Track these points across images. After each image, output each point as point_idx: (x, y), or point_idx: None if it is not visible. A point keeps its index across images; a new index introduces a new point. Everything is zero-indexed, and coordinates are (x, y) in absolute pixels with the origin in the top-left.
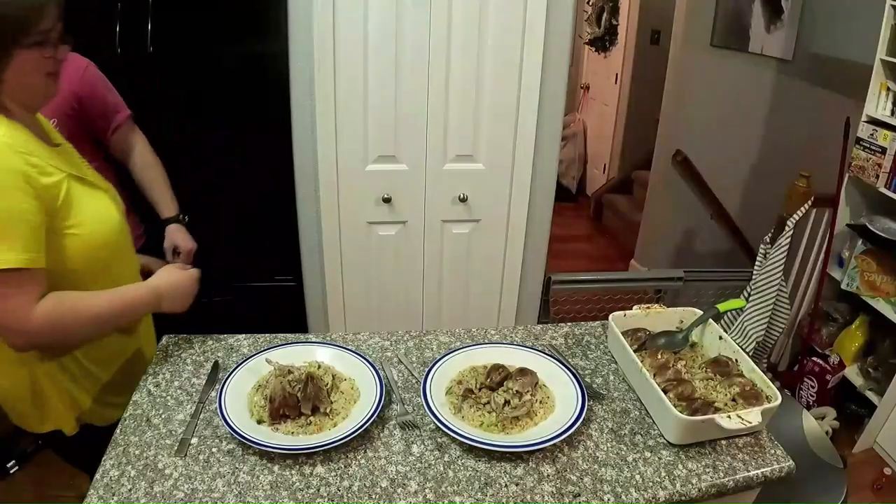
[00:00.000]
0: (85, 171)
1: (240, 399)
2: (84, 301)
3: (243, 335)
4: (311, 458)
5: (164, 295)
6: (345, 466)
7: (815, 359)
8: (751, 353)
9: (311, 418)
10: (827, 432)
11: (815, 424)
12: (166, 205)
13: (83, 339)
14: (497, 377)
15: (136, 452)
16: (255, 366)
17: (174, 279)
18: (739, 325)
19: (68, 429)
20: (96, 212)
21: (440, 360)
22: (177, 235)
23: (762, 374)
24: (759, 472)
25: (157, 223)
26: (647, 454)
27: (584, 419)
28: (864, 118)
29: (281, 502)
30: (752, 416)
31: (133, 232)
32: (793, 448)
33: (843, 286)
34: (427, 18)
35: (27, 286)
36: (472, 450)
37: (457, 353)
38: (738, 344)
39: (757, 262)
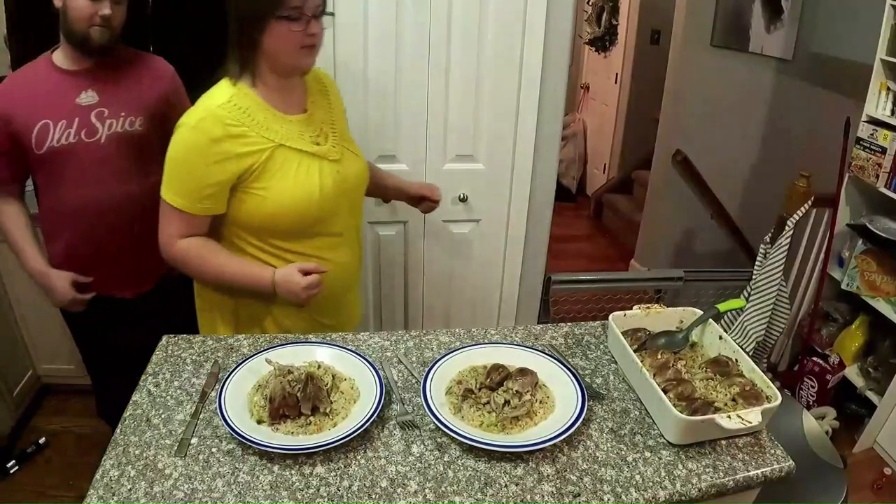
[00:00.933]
0: (308, 142)
1: (240, 399)
2: (215, 257)
3: (243, 335)
4: (311, 458)
5: (277, 286)
6: (345, 466)
7: (815, 359)
8: (751, 353)
9: (311, 418)
10: (827, 432)
11: (815, 424)
12: None
13: (208, 283)
14: (497, 377)
15: (136, 452)
16: (255, 366)
17: (287, 279)
18: (739, 325)
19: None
20: (294, 180)
21: (440, 360)
22: None
23: (762, 373)
24: (759, 471)
25: None
26: (647, 454)
27: (584, 419)
28: (864, 118)
29: (281, 502)
30: (752, 415)
31: None
32: (793, 448)
33: (843, 286)
34: (427, 18)
35: (177, 223)
36: (472, 450)
37: (457, 353)
38: (738, 344)
39: (757, 262)
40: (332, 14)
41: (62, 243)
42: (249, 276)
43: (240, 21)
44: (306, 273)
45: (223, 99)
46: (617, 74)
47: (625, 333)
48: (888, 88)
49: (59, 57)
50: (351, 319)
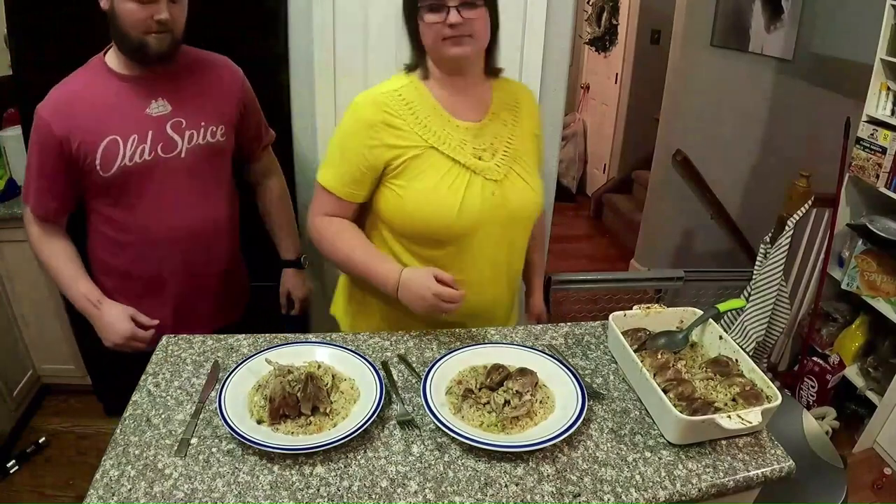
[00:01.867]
0: (467, 153)
1: (239, 399)
2: (345, 242)
3: (243, 335)
4: (311, 458)
5: (403, 285)
6: (345, 466)
7: (815, 359)
8: (751, 353)
9: (311, 418)
10: (827, 432)
11: (815, 424)
12: (287, 247)
13: (337, 264)
14: (497, 377)
15: (136, 452)
16: (255, 366)
17: (419, 281)
18: (740, 325)
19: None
20: (434, 187)
21: (440, 360)
22: (292, 281)
23: (762, 373)
24: (759, 471)
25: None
26: (648, 454)
27: (584, 419)
28: (864, 118)
29: (281, 502)
30: (753, 415)
31: None
32: (793, 448)
33: (843, 286)
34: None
35: (324, 202)
36: (472, 450)
37: (457, 353)
38: (738, 344)
39: (757, 262)
40: (483, 6)
41: (123, 278)
42: (373, 272)
43: (404, 13)
44: (441, 282)
45: (391, 87)
46: (617, 74)
47: (625, 333)
48: (888, 88)
49: (114, 60)
50: None
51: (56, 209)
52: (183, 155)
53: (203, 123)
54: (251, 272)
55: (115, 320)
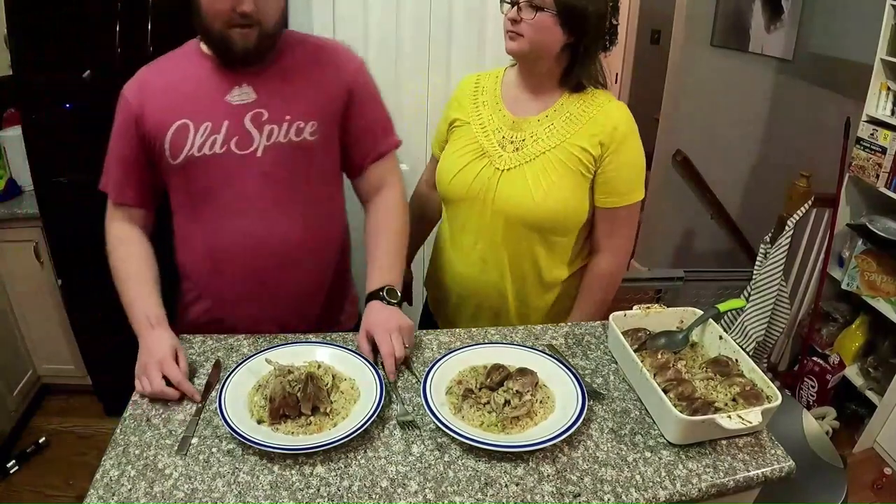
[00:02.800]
0: (493, 139)
1: (240, 399)
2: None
3: (243, 335)
4: (312, 458)
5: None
6: (345, 466)
7: (815, 359)
8: (751, 353)
9: (311, 418)
10: (827, 432)
11: (815, 424)
12: (374, 276)
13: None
14: (497, 377)
15: (136, 452)
16: (255, 366)
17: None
18: (740, 325)
19: None
20: (449, 154)
21: (440, 360)
22: (374, 325)
23: (762, 373)
24: (759, 472)
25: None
26: (648, 454)
27: (584, 419)
28: (864, 118)
29: (281, 502)
30: (753, 415)
31: None
32: (793, 448)
33: (843, 286)
34: (427, 19)
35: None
36: (473, 450)
37: (457, 353)
38: (738, 344)
39: (757, 262)
40: (542, 9)
41: (197, 277)
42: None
43: None
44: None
45: (480, 74)
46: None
47: (625, 333)
48: (888, 88)
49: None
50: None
51: (133, 198)
52: (259, 154)
53: (288, 118)
54: None
55: (155, 346)
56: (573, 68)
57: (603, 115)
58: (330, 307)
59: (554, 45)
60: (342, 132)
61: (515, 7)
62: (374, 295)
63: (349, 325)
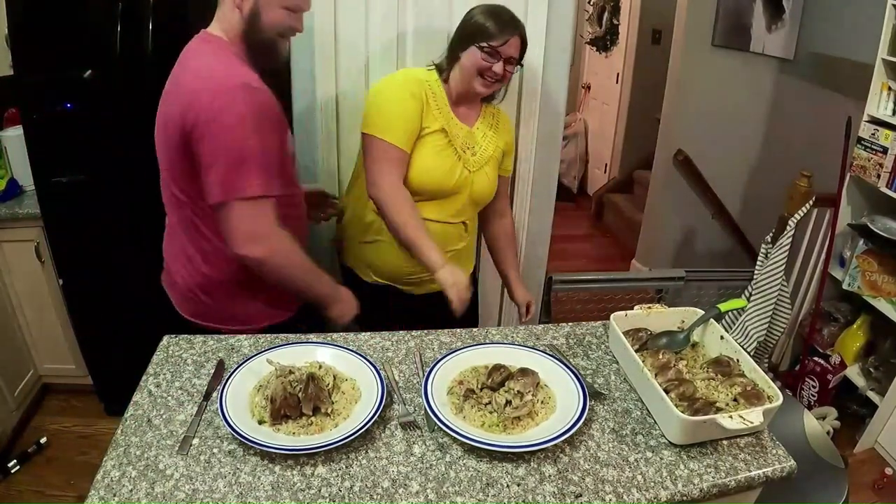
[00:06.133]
0: (460, 143)
1: (241, 399)
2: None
3: (244, 335)
4: (313, 459)
5: (442, 274)
6: (346, 467)
7: (816, 359)
8: (752, 353)
9: (313, 419)
10: (828, 432)
11: (816, 424)
12: None
13: (393, 227)
14: (498, 377)
15: (137, 453)
16: (257, 366)
17: (456, 277)
18: (741, 325)
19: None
20: (429, 157)
21: (441, 360)
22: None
23: (763, 373)
24: (760, 472)
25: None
26: (649, 454)
27: (585, 419)
28: (865, 118)
29: (282, 503)
30: (754, 415)
31: None
32: (794, 448)
33: (844, 286)
34: (428, 26)
35: (392, 158)
36: (474, 450)
37: (458, 353)
38: (739, 344)
39: (758, 262)
40: (522, 66)
41: (239, 273)
42: (424, 247)
43: (457, 36)
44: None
45: (424, 77)
46: (618, 74)
47: (626, 333)
48: (889, 88)
49: (241, 54)
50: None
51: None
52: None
53: None
54: None
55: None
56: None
57: (503, 118)
58: None
59: None
60: None
61: (502, 63)
62: None
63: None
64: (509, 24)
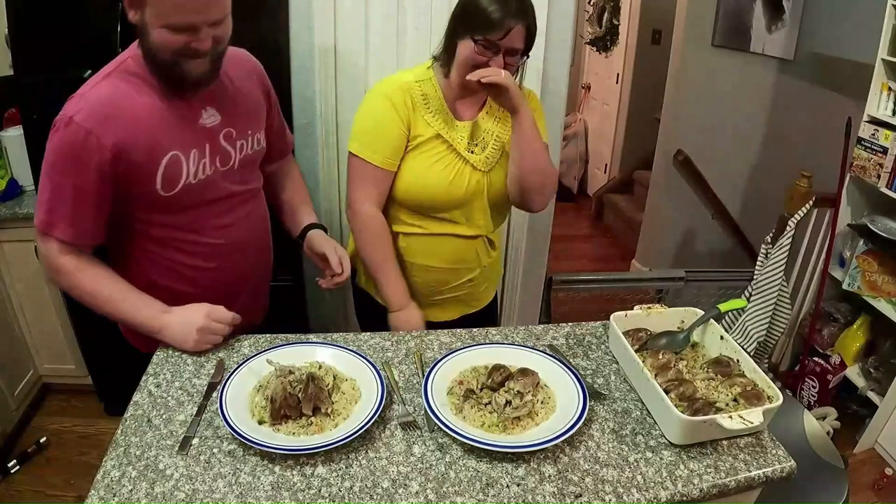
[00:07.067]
0: (462, 145)
1: (241, 399)
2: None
3: (244, 335)
4: (313, 459)
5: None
6: (346, 467)
7: (816, 359)
8: (752, 354)
9: (313, 419)
10: (828, 432)
11: (816, 424)
12: (309, 213)
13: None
14: (498, 377)
15: (137, 453)
16: (256, 366)
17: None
18: (741, 325)
19: None
20: (429, 167)
21: (441, 360)
22: (328, 242)
23: (763, 374)
24: (760, 472)
25: None
26: (649, 454)
27: (585, 419)
28: (865, 118)
29: (282, 503)
30: (754, 416)
31: None
32: (794, 448)
33: (844, 286)
34: (428, 19)
35: (367, 176)
36: (474, 450)
37: (458, 353)
38: (739, 344)
39: (758, 262)
40: (528, 57)
41: (174, 298)
42: (384, 284)
43: (453, 21)
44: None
45: (413, 79)
46: (618, 74)
47: (626, 334)
48: (889, 88)
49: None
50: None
51: (94, 235)
52: (236, 166)
53: (250, 132)
54: None
55: (189, 315)
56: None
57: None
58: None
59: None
60: (274, 132)
61: (501, 56)
62: (316, 226)
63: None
64: (514, 12)
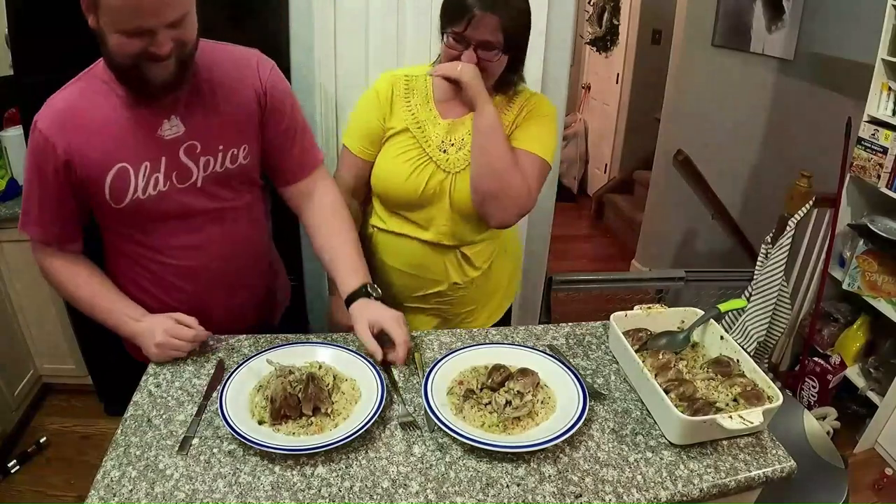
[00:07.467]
0: (434, 144)
1: (241, 400)
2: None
3: (244, 335)
4: (313, 459)
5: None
6: (346, 467)
7: (816, 359)
8: (752, 353)
9: (312, 419)
10: (828, 432)
11: (816, 424)
12: (349, 276)
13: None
14: (498, 377)
15: (137, 453)
16: (256, 366)
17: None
18: (741, 325)
19: None
20: (391, 160)
21: (441, 360)
22: (381, 318)
23: (763, 374)
24: (760, 472)
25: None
26: (649, 454)
27: (585, 419)
28: (865, 118)
29: (282, 503)
30: (754, 416)
31: None
32: (794, 448)
33: (844, 286)
34: (428, 19)
35: (346, 160)
36: (474, 450)
37: (458, 353)
38: (739, 344)
39: (758, 262)
40: (507, 53)
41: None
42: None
43: (440, 17)
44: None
45: (409, 72)
46: (618, 74)
47: (626, 334)
48: (889, 88)
49: None
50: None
51: (61, 237)
52: (199, 184)
53: (221, 147)
54: None
55: (154, 325)
56: (508, 78)
57: (528, 108)
58: (268, 296)
59: (499, 71)
60: (263, 142)
61: (471, 51)
62: (360, 293)
63: (285, 305)
64: (480, 2)
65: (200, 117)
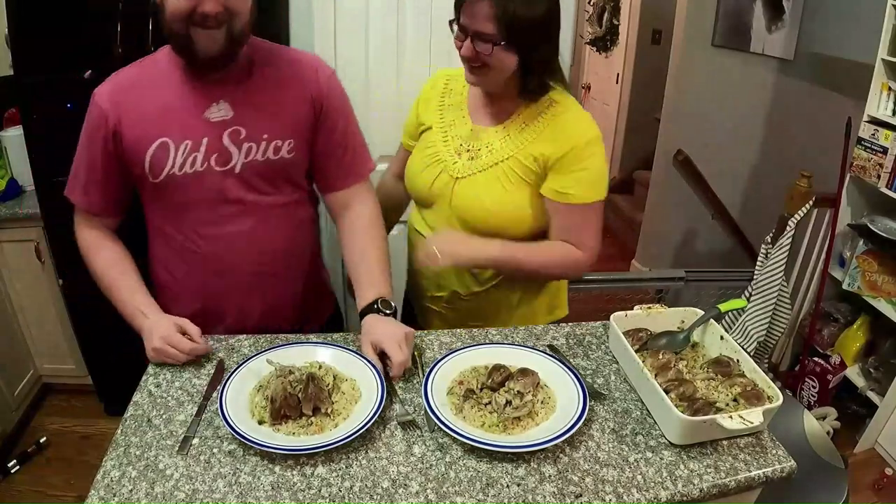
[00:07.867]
0: (450, 147)
1: (241, 399)
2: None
3: (244, 335)
4: (313, 459)
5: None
6: (346, 467)
7: (816, 359)
8: (752, 354)
9: (312, 419)
10: (828, 432)
11: (816, 424)
12: (366, 290)
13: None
14: (498, 377)
15: (137, 453)
16: (256, 366)
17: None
18: (741, 325)
19: None
20: (413, 156)
21: (441, 360)
22: (382, 337)
23: (763, 374)
24: (760, 472)
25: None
26: (649, 454)
27: (585, 419)
28: (865, 118)
29: (282, 503)
30: (754, 416)
31: None
32: (794, 448)
33: (844, 286)
34: (428, 20)
35: (399, 153)
36: (474, 450)
37: (458, 353)
38: (739, 344)
39: (758, 262)
40: (502, 44)
41: (175, 299)
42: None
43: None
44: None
45: (453, 73)
46: (618, 74)
47: (626, 334)
48: (889, 88)
49: None
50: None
51: (103, 207)
52: (238, 170)
53: (266, 136)
54: None
55: (156, 327)
56: (529, 81)
57: (559, 131)
58: (305, 305)
59: (509, 69)
60: (313, 145)
61: (468, 42)
62: (370, 308)
63: (325, 318)
64: None
65: (250, 105)
